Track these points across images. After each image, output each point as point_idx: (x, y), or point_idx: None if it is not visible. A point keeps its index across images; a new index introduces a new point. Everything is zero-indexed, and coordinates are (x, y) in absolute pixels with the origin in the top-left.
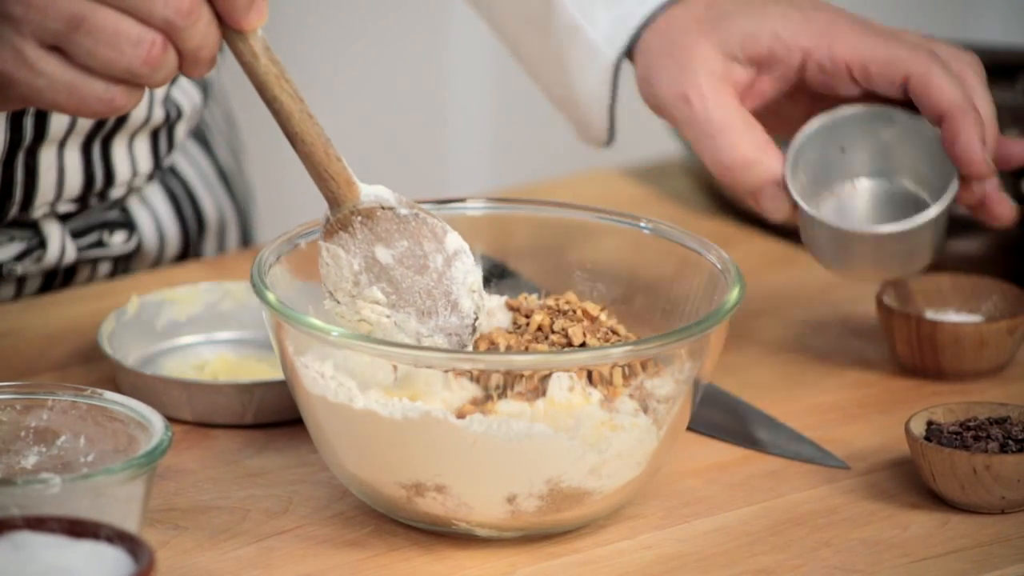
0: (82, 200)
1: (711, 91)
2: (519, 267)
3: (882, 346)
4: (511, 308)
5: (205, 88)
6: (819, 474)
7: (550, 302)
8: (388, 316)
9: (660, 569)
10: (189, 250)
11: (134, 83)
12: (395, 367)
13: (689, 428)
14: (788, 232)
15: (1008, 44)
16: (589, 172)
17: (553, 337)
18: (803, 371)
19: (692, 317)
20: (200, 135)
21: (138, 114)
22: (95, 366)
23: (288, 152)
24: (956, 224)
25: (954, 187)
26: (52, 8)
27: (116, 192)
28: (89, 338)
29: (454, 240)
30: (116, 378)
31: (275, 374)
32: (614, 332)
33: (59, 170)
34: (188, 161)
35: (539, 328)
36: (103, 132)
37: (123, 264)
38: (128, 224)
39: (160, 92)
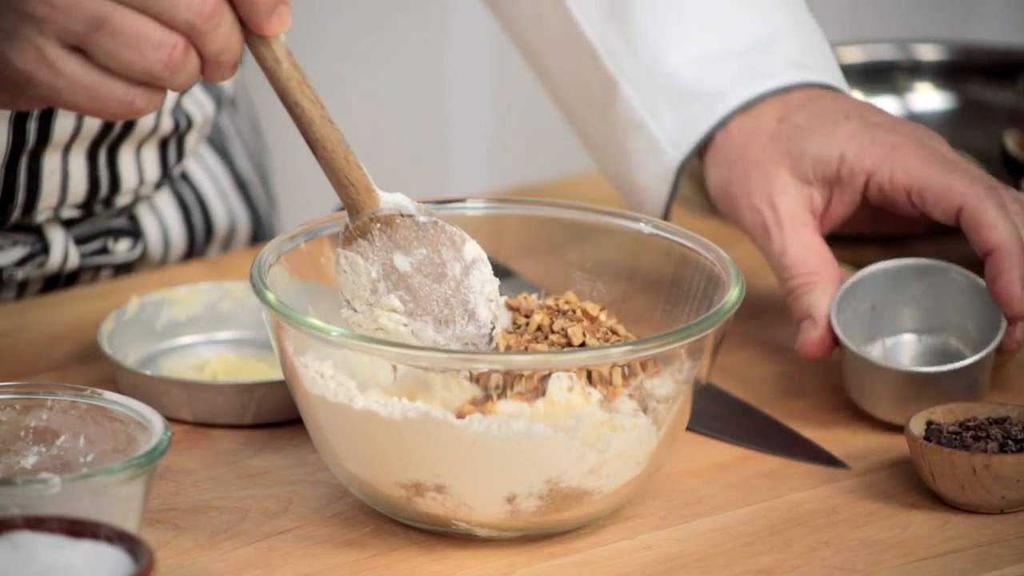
0: (87, 206)
1: (790, 224)
2: (519, 267)
3: None
4: (511, 308)
5: (219, 98)
6: (819, 474)
7: (550, 302)
8: (405, 325)
9: (660, 569)
10: (193, 255)
11: (155, 86)
12: (395, 367)
13: (689, 428)
14: None
15: (1008, 44)
16: (589, 172)
17: (553, 337)
18: (803, 371)
19: (692, 317)
20: (217, 142)
21: (145, 123)
22: (95, 366)
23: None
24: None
25: (1002, 331)
26: (75, 9)
27: (122, 199)
28: (89, 338)
29: (472, 249)
30: (116, 378)
31: (275, 374)
32: (614, 332)
33: (63, 175)
34: (202, 168)
35: (539, 328)
36: (109, 139)
37: (125, 269)
38: (133, 232)
39: (169, 102)
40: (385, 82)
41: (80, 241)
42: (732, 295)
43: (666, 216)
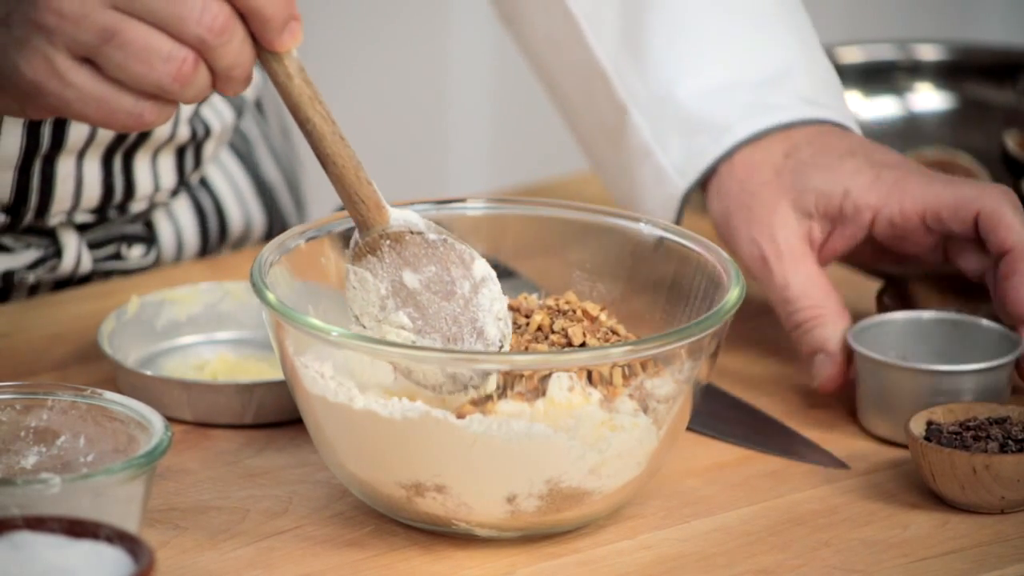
0: (100, 211)
1: (789, 256)
2: (519, 267)
3: None
4: (511, 308)
5: (239, 106)
6: (819, 474)
7: (550, 302)
8: (414, 342)
9: (660, 569)
10: (205, 257)
11: (165, 99)
12: (395, 367)
13: (689, 428)
14: None
15: (1008, 44)
16: (589, 172)
17: (553, 337)
18: (803, 371)
19: (692, 317)
20: (241, 148)
21: (162, 131)
22: (95, 366)
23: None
24: None
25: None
26: (85, 20)
27: (137, 206)
28: (89, 338)
29: (481, 267)
30: (116, 378)
31: (275, 374)
32: (614, 332)
33: (77, 180)
34: (222, 174)
35: (539, 328)
36: (125, 145)
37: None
38: (147, 239)
39: (186, 111)
40: (385, 82)
41: (94, 246)
42: (732, 295)
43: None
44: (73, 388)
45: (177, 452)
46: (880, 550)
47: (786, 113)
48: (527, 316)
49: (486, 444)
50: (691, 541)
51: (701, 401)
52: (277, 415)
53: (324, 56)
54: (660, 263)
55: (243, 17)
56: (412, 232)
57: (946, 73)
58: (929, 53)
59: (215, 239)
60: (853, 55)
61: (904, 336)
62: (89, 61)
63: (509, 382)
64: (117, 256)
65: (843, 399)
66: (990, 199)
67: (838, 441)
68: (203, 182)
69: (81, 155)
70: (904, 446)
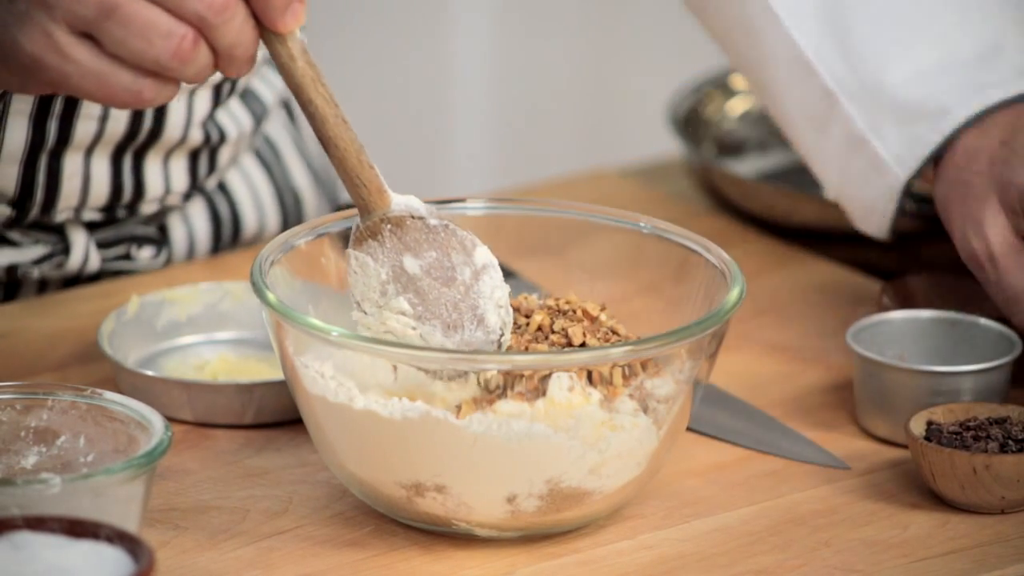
0: (109, 210)
1: (1002, 256)
2: (519, 267)
3: None
4: (511, 308)
5: (258, 114)
6: (819, 474)
7: (550, 302)
8: (414, 328)
9: (660, 569)
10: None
11: (165, 77)
12: (395, 367)
13: (689, 428)
14: (788, 232)
15: None
16: (589, 172)
17: (553, 337)
18: (803, 371)
19: (692, 317)
20: (265, 154)
21: (173, 132)
22: (95, 366)
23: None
24: None
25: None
26: None
27: (147, 207)
28: (89, 338)
29: (483, 254)
30: (116, 378)
31: (275, 374)
32: (614, 332)
33: (84, 177)
34: (243, 180)
35: (539, 328)
36: (134, 145)
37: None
38: (158, 241)
39: (200, 113)
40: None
41: (103, 246)
42: (732, 295)
43: (891, 232)
44: (73, 388)
45: (177, 452)
46: (880, 550)
47: (1002, 90)
48: (527, 316)
49: (486, 444)
50: (691, 541)
51: (701, 401)
52: (277, 415)
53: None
54: (660, 263)
55: None
56: (413, 217)
57: None
58: None
59: (227, 244)
60: None
61: (903, 336)
62: (89, 37)
63: (509, 382)
64: (127, 257)
65: (843, 399)
66: None
67: (838, 441)
68: (222, 187)
69: (89, 152)
70: (904, 446)
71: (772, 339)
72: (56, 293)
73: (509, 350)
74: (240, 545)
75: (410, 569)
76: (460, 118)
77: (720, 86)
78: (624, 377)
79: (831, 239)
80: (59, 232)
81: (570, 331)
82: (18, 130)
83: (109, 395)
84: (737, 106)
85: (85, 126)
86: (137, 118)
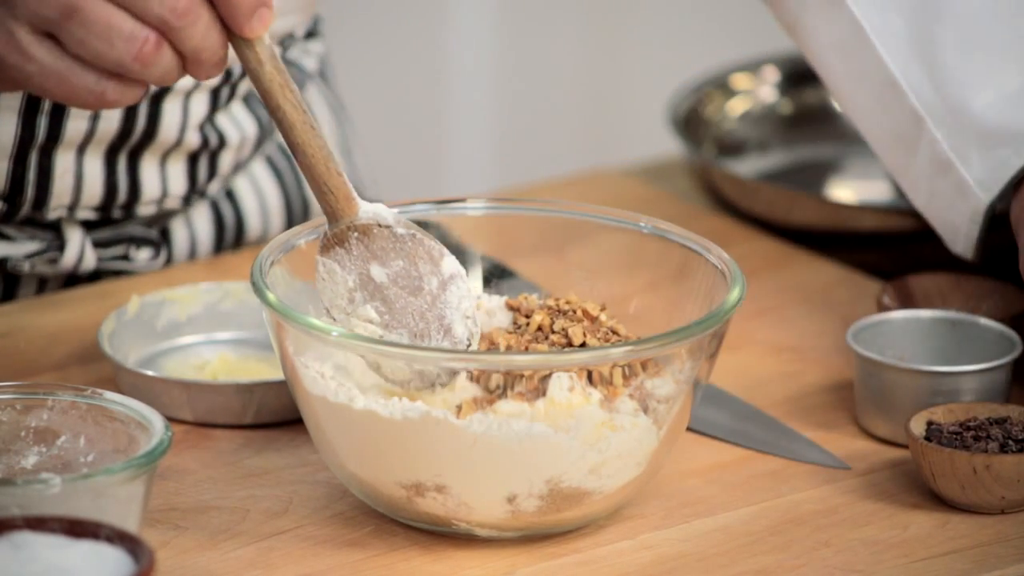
0: (104, 209)
1: None
2: (519, 267)
3: None
4: (511, 308)
5: (263, 121)
6: (819, 474)
7: (550, 302)
8: (380, 336)
9: (660, 569)
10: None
11: (128, 78)
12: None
13: (689, 428)
14: (788, 232)
15: None
16: (589, 172)
17: (553, 337)
18: (803, 371)
19: (692, 317)
20: (277, 164)
21: (168, 134)
22: (95, 366)
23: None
24: None
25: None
26: None
27: (144, 209)
28: (89, 338)
29: (450, 264)
30: (116, 378)
31: (275, 374)
32: (614, 332)
33: (77, 175)
34: (252, 188)
35: (539, 328)
36: (129, 145)
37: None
38: (157, 243)
39: (196, 116)
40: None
41: (101, 245)
42: (732, 295)
43: (976, 254)
44: (73, 388)
45: (177, 452)
46: (880, 550)
47: None
48: (527, 316)
49: (486, 444)
50: (691, 541)
51: (701, 401)
52: (277, 415)
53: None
54: (660, 263)
55: (211, 1)
56: (380, 225)
57: None
58: None
59: (230, 246)
60: None
61: (903, 336)
62: (52, 37)
63: (509, 382)
64: (125, 257)
65: (843, 399)
66: None
67: (838, 441)
68: (229, 194)
69: (81, 150)
70: (904, 446)
71: (772, 339)
72: (56, 293)
73: (509, 350)
74: (240, 545)
75: (410, 569)
76: (460, 118)
77: (720, 86)
78: (624, 377)
79: (831, 239)
80: (55, 229)
81: (570, 331)
82: (7, 125)
83: (109, 395)
84: (737, 106)
85: (76, 124)
86: (130, 118)
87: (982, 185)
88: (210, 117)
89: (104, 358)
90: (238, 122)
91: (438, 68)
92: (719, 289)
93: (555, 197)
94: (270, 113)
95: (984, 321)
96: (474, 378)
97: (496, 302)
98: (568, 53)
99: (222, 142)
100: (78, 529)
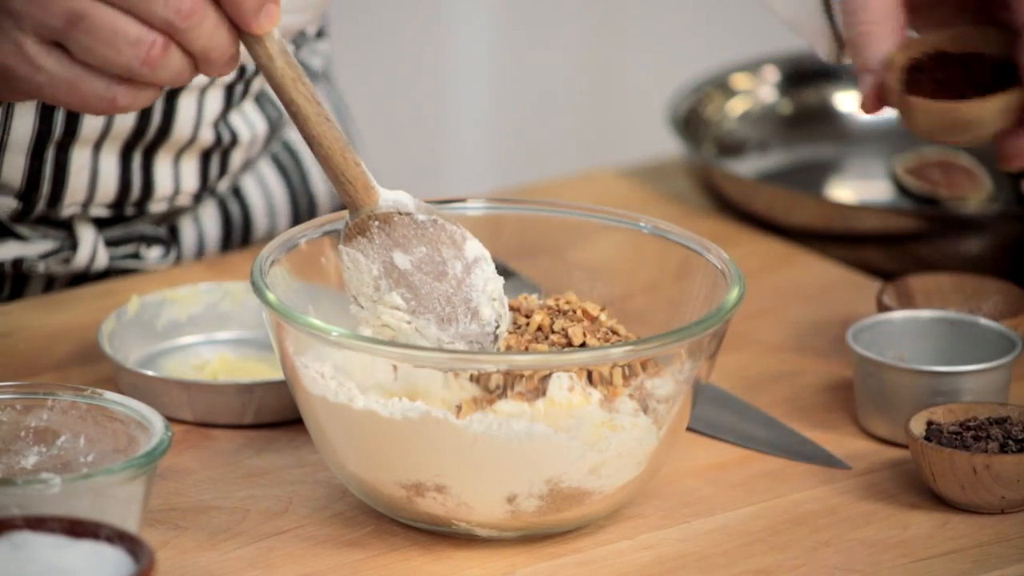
0: (117, 206)
1: None
2: (519, 267)
3: None
4: (511, 308)
5: (275, 120)
6: (819, 474)
7: (550, 302)
8: (409, 322)
9: (660, 569)
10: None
11: (138, 82)
12: (395, 367)
13: (689, 428)
14: (788, 232)
15: None
16: (589, 172)
17: (553, 337)
18: (803, 371)
19: (692, 317)
20: (283, 161)
21: (183, 131)
22: (95, 366)
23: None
24: (956, 224)
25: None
26: (52, 4)
27: (156, 206)
28: (89, 338)
29: (474, 247)
30: (116, 378)
31: (275, 374)
32: (614, 332)
33: (92, 172)
34: (258, 186)
35: (539, 328)
36: (144, 142)
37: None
38: (167, 241)
39: (211, 113)
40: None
41: (112, 244)
42: (732, 295)
43: (836, 51)
44: (73, 388)
45: (177, 452)
46: (880, 550)
47: None
48: (527, 316)
49: (486, 444)
50: (691, 541)
51: (701, 401)
52: (277, 415)
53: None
54: (660, 263)
55: (218, 0)
56: (400, 213)
57: None
58: None
59: (236, 246)
60: None
61: (903, 336)
62: (60, 46)
63: (509, 382)
64: (135, 256)
65: (843, 399)
66: None
67: (838, 441)
68: (236, 192)
69: (97, 147)
70: (904, 446)
71: (772, 339)
72: (57, 293)
73: (509, 350)
74: (240, 545)
75: (410, 569)
76: (460, 118)
77: (720, 86)
78: (624, 377)
79: (831, 239)
80: (67, 228)
81: (570, 331)
82: (25, 120)
83: (109, 395)
84: (737, 106)
85: (92, 120)
86: (145, 115)
87: None
88: (224, 114)
89: (104, 358)
90: (250, 120)
91: (438, 68)
92: (719, 289)
93: (555, 197)
94: (284, 107)
95: (984, 321)
96: (474, 378)
97: None
98: (568, 53)
99: (234, 140)
100: (78, 529)
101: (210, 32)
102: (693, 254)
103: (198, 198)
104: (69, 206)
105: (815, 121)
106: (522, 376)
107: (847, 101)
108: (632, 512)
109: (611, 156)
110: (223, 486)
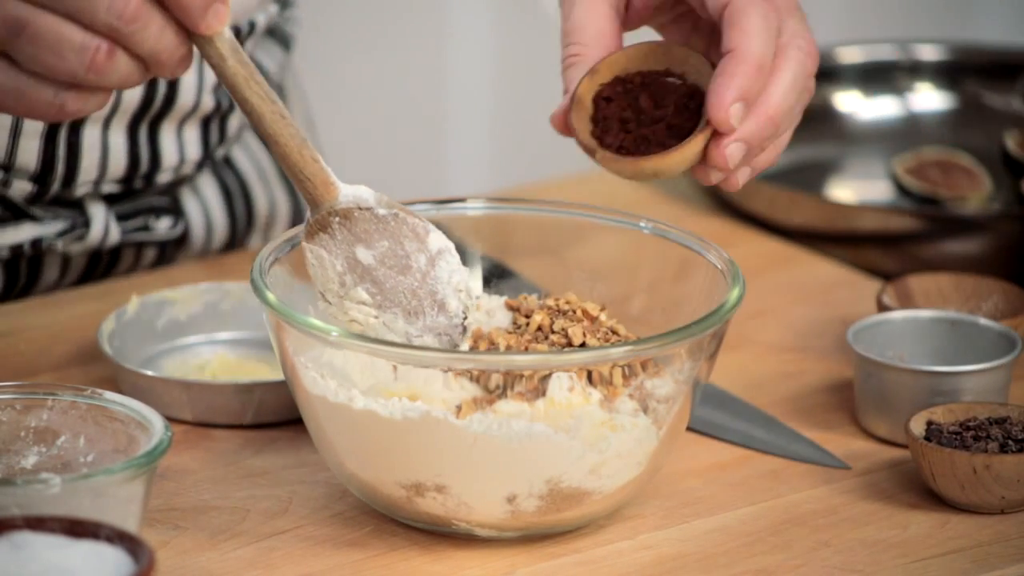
0: (127, 181)
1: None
2: (519, 267)
3: None
4: (511, 308)
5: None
6: (819, 474)
7: (550, 302)
8: (376, 316)
9: (660, 569)
10: (235, 244)
11: (87, 87)
12: (395, 367)
13: (689, 428)
14: (788, 232)
15: (1008, 44)
16: (589, 172)
17: (553, 337)
18: (803, 371)
19: (692, 317)
20: None
21: (186, 99)
22: (95, 366)
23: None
24: (956, 224)
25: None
26: None
27: (163, 177)
28: (89, 338)
29: (437, 239)
30: (116, 378)
31: (275, 374)
32: (614, 332)
33: (103, 149)
34: (246, 155)
35: (539, 328)
36: (150, 115)
37: (170, 251)
38: (174, 211)
39: (211, 79)
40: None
41: (122, 218)
42: (732, 295)
43: None
44: (73, 388)
45: (177, 452)
46: (880, 550)
47: None
48: (527, 316)
49: (486, 444)
50: (691, 541)
51: (701, 401)
52: (277, 415)
53: (324, 56)
54: (660, 263)
55: (163, 2)
56: (361, 208)
57: (946, 73)
58: (929, 53)
59: (242, 218)
60: (853, 55)
61: (903, 336)
62: (5, 55)
63: (509, 382)
64: (145, 228)
65: (843, 399)
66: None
67: (838, 441)
68: (228, 162)
69: (107, 124)
70: (904, 446)
71: (772, 339)
72: (56, 293)
73: (509, 350)
74: (240, 545)
75: (410, 569)
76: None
77: None
78: (624, 377)
79: (831, 239)
80: (78, 207)
81: (570, 331)
82: None
83: (109, 395)
84: None
85: None
86: (151, 86)
87: None
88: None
89: (104, 358)
90: None
91: (438, 68)
92: (719, 289)
93: (555, 197)
94: (239, 106)
95: (984, 321)
96: (474, 378)
97: (496, 302)
98: None
99: (231, 104)
100: (78, 529)
101: (156, 35)
102: (693, 254)
103: (200, 166)
104: (82, 185)
105: (815, 121)
106: (522, 376)
107: (847, 101)
108: (632, 512)
109: None
110: (223, 486)
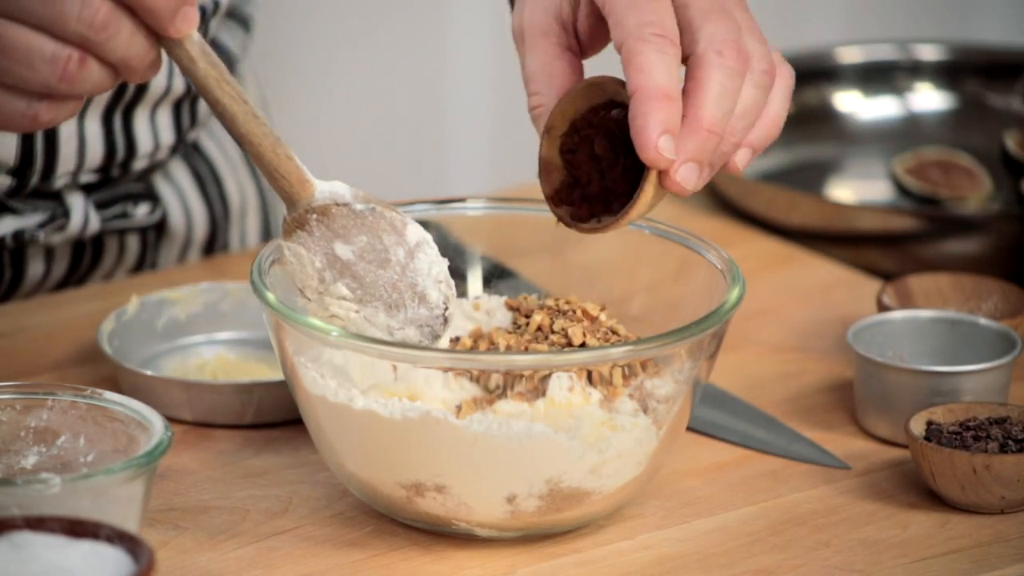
0: (104, 170)
1: (531, 35)
2: (519, 267)
3: None
4: (511, 308)
5: (231, 66)
6: (819, 474)
7: (550, 302)
8: (357, 311)
9: (660, 569)
10: (216, 235)
11: (59, 97)
12: (395, 367)
13: (689, 428)
14: (788, 232)
15: (1008, 44)
16: None
17: (553, 337)
18: (803, 371)
19: (692, 317)
20: None
21: (158, 84)
22: (95, 366)
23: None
24: (956, 224)
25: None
26: None
27: (138, 164)
28: (89, 338)
29: (415, 232)
30: (116, 378)
31: (275, 374)
32: (614, 332)
33: (80, 140)
34: (213, 142)
35: (539, 328)
36: (123, 102)
37: (153, 241)
38: (152, 197)
39: None
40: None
41: (100, 206)
42: (732, 295)
43: None
44: (73, 388)
45: (177, 452)
46: (880, 550)
47: None
48: (527, 316)
49: (486, 444)
50: (691, 541)
51: (701, 401)
52: (277, 415)
53: (324, 56)
54: (660, 263)
55: (131, 8)
56: (338, 204)
57: (946, 73)
58: (929, 53)
59: (217, 204)
60: (853, 55)
61: (903, 336)
62: None
63: (509, 382)
64: (124, 215)
65: (843, 399)
66: (634, 37)
67: (838, 441)
68: (196, 148)
69: (82, 115)
70: (904, 446)
71: (772, 339)
72: (56, 293)
73: (509, 350)
74: (240, 545)
75: (410, 569)
76: (459, 118)
77: None
78: (624, 377)
79: (831, 239)
80: (56, 198)
81: (570, 331)
82: None
83: (109, 395)
84: None
85: None
86: None
87: None
88: None
89: (104, 358)
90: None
91: (437, 68)
92: (719, 289)
93: None
94: (211, 108)
95: (984, 321)
96: (474, 378)
97: (496, 302)
98: None
99: None
100: (78, 529)
101: (127, 41)
102: (693, 254)
103: (174, 150)
104: (61, 176)
105: (815, 121)
106: (522, 376)
107: (847, 101)
108: (632, 512)
109: None
110: (223, 486)
